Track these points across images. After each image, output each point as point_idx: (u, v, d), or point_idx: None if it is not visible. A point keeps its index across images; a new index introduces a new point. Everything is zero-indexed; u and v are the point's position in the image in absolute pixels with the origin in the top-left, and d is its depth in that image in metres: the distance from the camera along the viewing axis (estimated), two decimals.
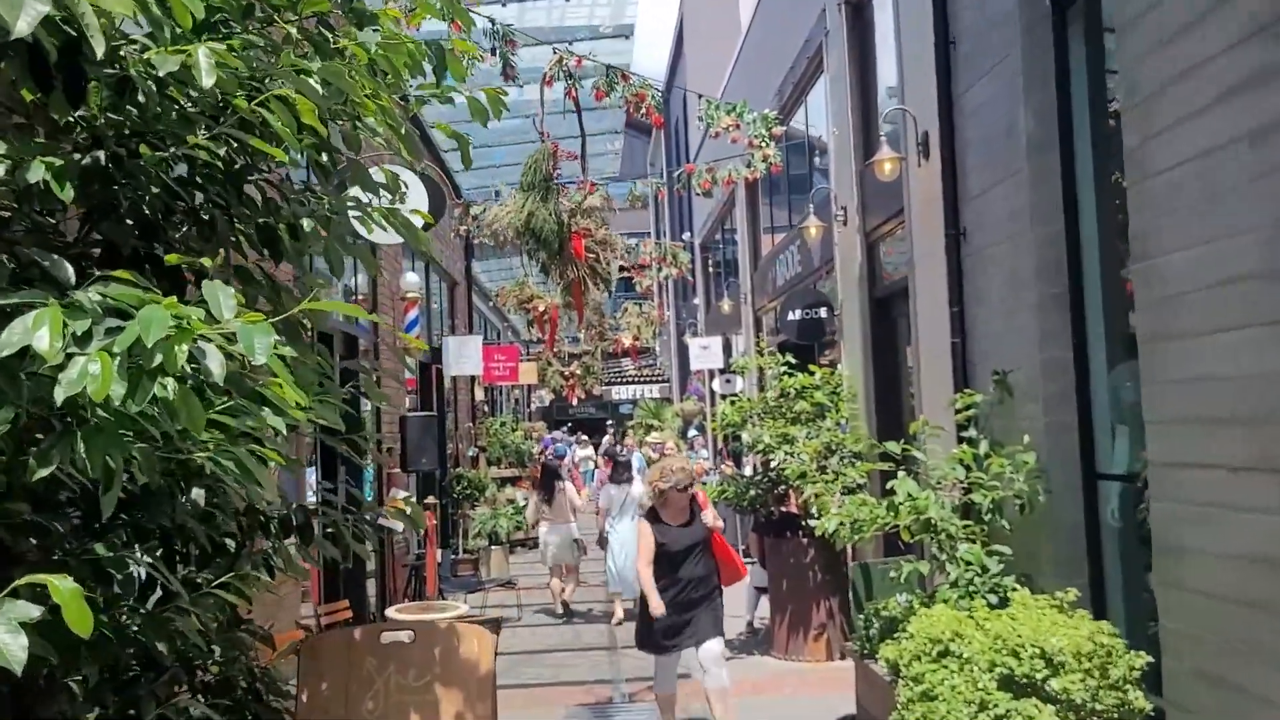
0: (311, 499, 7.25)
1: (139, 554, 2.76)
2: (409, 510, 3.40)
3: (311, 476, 7.99)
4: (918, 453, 5.97)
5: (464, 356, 13.18)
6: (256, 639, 3.38)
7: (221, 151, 2.42)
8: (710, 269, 21.87)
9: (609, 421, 36.97)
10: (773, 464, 8.92)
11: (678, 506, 6.61)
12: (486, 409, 19.76)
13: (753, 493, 9.28)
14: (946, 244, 6.50)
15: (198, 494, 2.51)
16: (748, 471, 11.22)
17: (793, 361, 9.22)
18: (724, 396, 15.13)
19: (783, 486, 8.97)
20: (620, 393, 36.41)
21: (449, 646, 3.54)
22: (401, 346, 10.66)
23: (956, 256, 6.46)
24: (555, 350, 20.42)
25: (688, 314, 24.21)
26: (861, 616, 6.15)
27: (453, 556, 13.95)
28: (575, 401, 23.92)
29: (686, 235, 22.67)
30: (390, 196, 3.00)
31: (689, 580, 6.47)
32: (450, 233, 14.26)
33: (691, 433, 19.17)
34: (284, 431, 2.26)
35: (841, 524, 5.84)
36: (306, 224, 2.77)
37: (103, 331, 1.72)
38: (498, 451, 17.66)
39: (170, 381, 1.72)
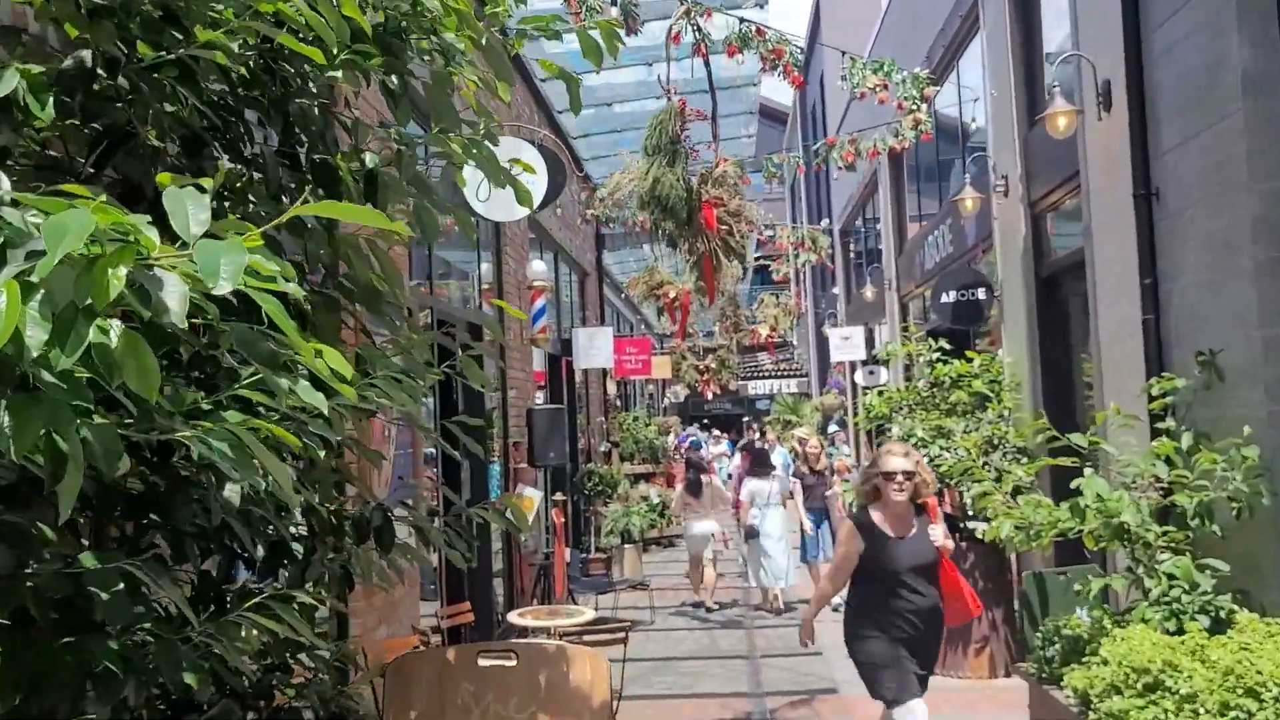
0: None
1: (182, 565, 2.32)
2: (508, 511, 2.87)
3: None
4: (1108, 447, 5.15)
5: (594, 349, 12.82)
6: (336, 659, 2.92)
7: (247, 47, 1.90)
8: (851, 256, 20.93)
9: (745, 418, 36.19)
10: (926, 460, 8.13)
11: (895, 511, 4.85)
12: (619, 403, 19.33)
13: None
14: (1135, 207, 5.68)
15: (232, 490, 2.01)
16: None
17: (946, 348, 8.42)
18: (866, 390, 14.28)
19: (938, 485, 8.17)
20: (757, 388, 35.54)
21: (557, 672, 2.99)
22: (528, 338, 10.28)
23: (1148, 221, 5.62)
24: (690, 345, 19.84)
25: (827, 304, 23.30)
26: (1039, 634, 5.38)
27: (583, 555, 13.55)
28: (710, 396, 23.31)
29: (825, 221, 21.78)
30: (470, 131, 2.46)
31: (916, 612, 4.82)
32: (578, 219, 13.85)
33: (832, 428, 18.31)
34: (323, 410, 1.74)
35: (1015, 528, 5.08)
36: (369, 159, 2.25)
37: (21, 256, 1.21)
38: (631, 447, 17.20)
39: (115, 324, 1.20)
